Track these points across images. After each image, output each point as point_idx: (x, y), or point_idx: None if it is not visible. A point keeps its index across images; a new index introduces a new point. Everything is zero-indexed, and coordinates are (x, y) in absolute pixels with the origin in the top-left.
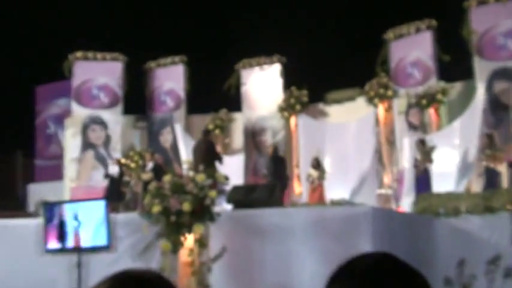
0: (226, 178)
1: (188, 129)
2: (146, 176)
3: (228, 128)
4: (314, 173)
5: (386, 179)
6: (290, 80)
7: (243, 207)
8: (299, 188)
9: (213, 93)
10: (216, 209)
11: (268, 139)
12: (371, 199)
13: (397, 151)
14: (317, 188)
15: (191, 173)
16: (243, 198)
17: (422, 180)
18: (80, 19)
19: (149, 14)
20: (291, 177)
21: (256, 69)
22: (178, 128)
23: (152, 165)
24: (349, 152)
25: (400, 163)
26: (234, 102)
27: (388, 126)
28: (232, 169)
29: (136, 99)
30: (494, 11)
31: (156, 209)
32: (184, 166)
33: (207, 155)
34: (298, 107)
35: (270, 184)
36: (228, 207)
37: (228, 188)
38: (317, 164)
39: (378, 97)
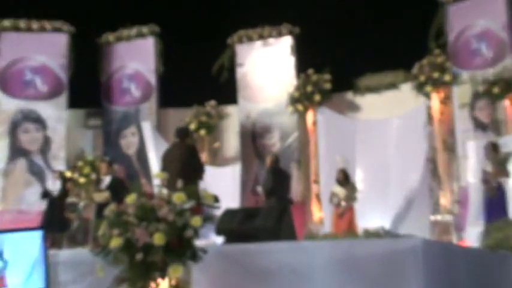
0: (216, 199)
1: (161, 128)
2: (101, 196)
3: (218, 127)
4: (340, 192)
5: (444, 199)
6: (306, 59)
7: (239, 241)
8: (319, 213)
9: (197, 79)
10: (201, 243)
11: (275, 143)
12: (422, 228)
13: (459, 160)
14: (345, 212)
15: (165, 192)
16: (240, 227)
17: (495, 201)
18: None
19: None
20: (308, 197)
21: (258, 44)
22: (148, 127)
23: (110, 180)
24: (390, 161)
25: (462, 177)
26: (227, 90)
27: (446, 125)
28: (225, 186)
29: (88, 87)
30: None
31: (116, 243)
32: (156, 181)
33: (186, 165)
34: (317, 97)
35: (277, 207)
36: (218, 240)
37: (219, 212)
38: (344, 179)
39: (431, 83)
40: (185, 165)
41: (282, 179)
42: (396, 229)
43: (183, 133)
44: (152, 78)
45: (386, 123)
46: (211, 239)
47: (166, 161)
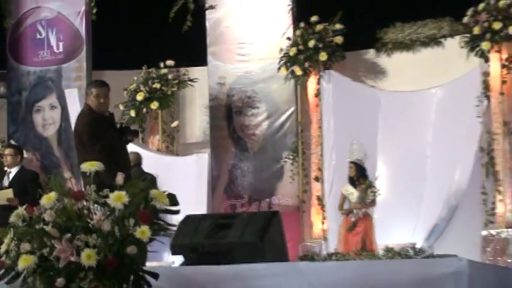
0: (174, 201)
1: None
2: (4, 195)
3: (178, 98)
4: (353, 194)
5: (502, 206)
6: (307, 1)
7: (206, 262)
8: (321, 224)
9: (147, 28)
10: (150, 264)
11: (260, 122)
12: (469, 246)
13: None
14: (359, 222)
15: (94, 189)
16: (206, 242)
17: None
18: None
19: None
20: (307, 201)
21: None
22: (74, 98)
23: (17, 173)
24: (426, 150)
25: None
26: (191, 45)
27: (510, 99)
28: (186, 183)
29: None
30: None
31: (26, 262)
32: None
33: (83, 144)
34: (323, 56)
35: (261, 214)
36: (175, 260)
37: (177, 221)
38: (359, 176)
39: (490, 38)
40: (81, 145)
41: None
42: (432, 247)
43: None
44: (81, 26)
45: (422, 96)
46: (164, 259)
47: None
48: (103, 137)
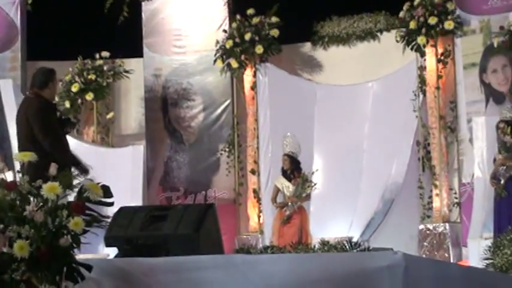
0: (108, 193)
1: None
2: None
3: (114, 89)
4: (289, 186)
5: (438, 200)
6: None
7: (140, 254)
8: (256, 215)
9: (82, 19)
10: (84, 256)
11: (196, 114)
12: (406, 241)
13: (461, 144)
14: (295, 215)
15: (27, 179)
16: (141, 234)
17: (507, 203)
18: None
19: None
20: (244, 194)
21: None
22: (8, 87)
23: None
24: (362, 143)
25: (466, 169)
26: (126, 37)
27: (445, 94)
28: (121, 175)
29: None
30: None
31: None
32: (18, 163)
33: (32, 134)
34: (259, 48)
35: (196, 207)
36: (109, 252)
37: (111, 212)
38: (293, 167)
39: (426, 33)
40: (30, 136)
41: None
42: (369, 241)
43: (39, 79)
44: (16, 16)
45: (359, 89)
46: (99, 251)
47: (18, 129)
48: (54, 126)
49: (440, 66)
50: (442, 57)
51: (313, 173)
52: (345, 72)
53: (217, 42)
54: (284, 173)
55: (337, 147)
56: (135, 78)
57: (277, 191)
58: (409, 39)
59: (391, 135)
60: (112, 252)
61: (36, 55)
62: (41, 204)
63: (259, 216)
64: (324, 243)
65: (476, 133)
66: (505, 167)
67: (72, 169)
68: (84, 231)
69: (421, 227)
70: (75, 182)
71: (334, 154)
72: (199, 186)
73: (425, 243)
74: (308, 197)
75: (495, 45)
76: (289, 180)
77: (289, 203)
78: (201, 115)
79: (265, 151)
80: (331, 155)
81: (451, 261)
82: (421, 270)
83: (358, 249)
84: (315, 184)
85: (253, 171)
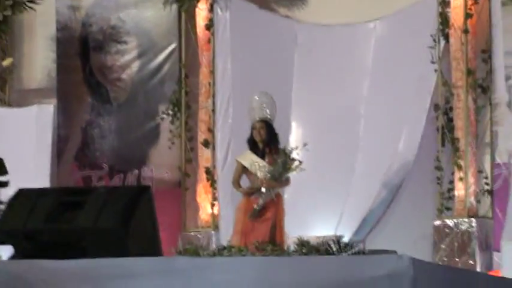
0: (1, 167)
1: None
2: None
3: (13, 26)
4: (265, 166)
5: (462, 186)
6: None
7: (44, 255)
8: (209, 204)
9: None
10: None
11: (128, 62)
12: (417, 241)
13: (495, 109)
14: (271, 205)
15: None
16: (46, 227)
17: None
18: None
19: None
20: (193, 175)
21: None
22: None
23: None
24: (360, 107)
25: (500, 142)
26: None
27: (476, 40)
28: (22, 144)
29: None
30: None
31: None
32: None
33: None
34: None
35: (123, 190)
36: (3, 252)
37: (6, 196)
38: (268, 139)
39: None
40: None
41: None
42: (364, 241)
43: None
44: None
45: (356, 32)
46: None
47: None
48: None
49: (470, 2)
50: None
51: (293, 149)
52: (337, 7)
53: None
54: (253, 146)
55: (323, 111)
56: (42, 11)
57: (241, 170)
58: None
59: (399, 97)
60: (4, 252)
61: None
62: None
63: (213, 206)
64: (303, 244)
65: None
66: None
67: None
68: None
69: (438, 223)
70: None
71: (320, 120)
72: (130, 162)
73: (442, 246)
74: (288, 181)
75: None
76: (262, 156)
77: (263, 189)
78: (136, 64)
79: (224, 115)
80: (316, 121)
81: (478, 269)
82: (435, 282)
83: (349, 252)
84: (301, 163)
85: (206, 143)
